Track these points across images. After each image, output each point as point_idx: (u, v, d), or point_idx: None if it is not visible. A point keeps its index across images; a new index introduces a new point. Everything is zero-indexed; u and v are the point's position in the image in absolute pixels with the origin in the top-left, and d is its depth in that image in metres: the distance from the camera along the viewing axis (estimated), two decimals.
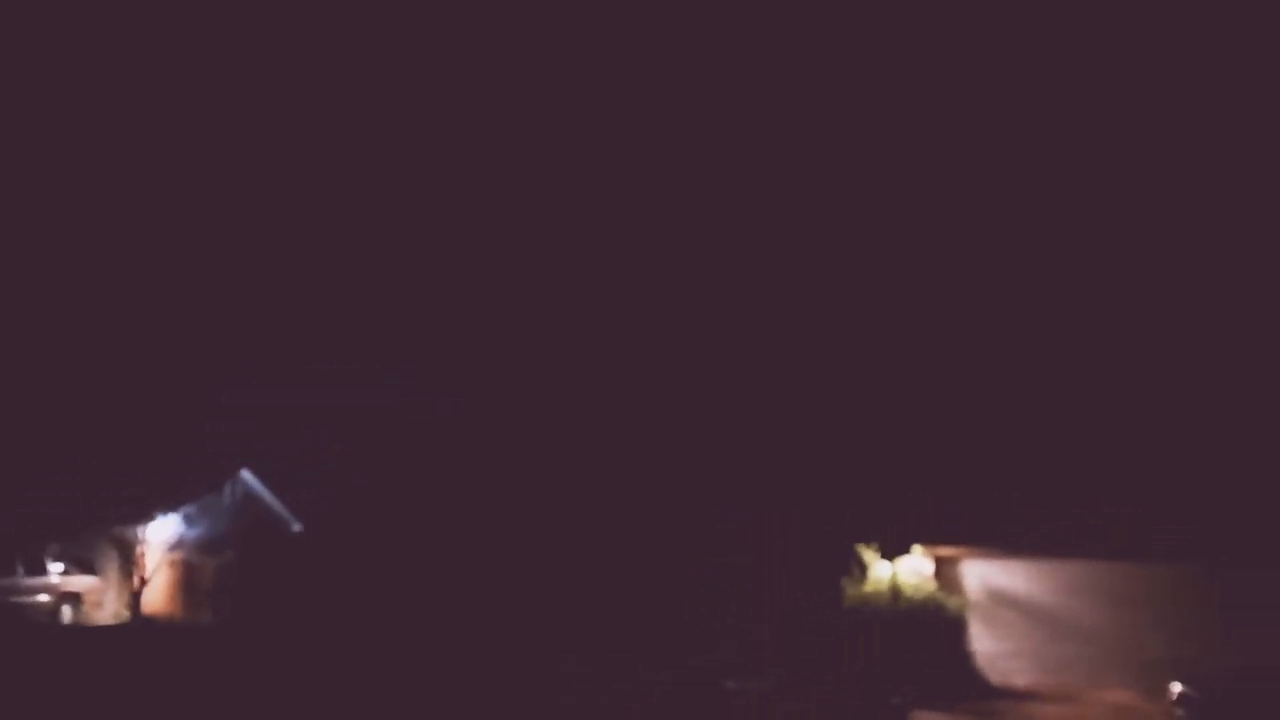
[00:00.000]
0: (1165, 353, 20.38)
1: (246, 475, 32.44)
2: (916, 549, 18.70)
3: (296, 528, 33.34)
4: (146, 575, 27.82)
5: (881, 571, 18.59)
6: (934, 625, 17.86)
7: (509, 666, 18.80)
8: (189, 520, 29.49)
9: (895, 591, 18.28)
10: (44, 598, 26.95)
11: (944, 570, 18.75)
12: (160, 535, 28.83)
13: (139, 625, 26.61)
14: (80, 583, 28.02)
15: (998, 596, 18.40)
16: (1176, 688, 13.71)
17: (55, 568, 27.59)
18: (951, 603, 18.19)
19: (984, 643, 18.31)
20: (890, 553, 18.55)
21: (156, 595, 28.68)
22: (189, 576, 29.26)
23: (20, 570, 26.65)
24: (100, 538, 28.47)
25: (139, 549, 28.04)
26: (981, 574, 18.65)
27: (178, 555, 28.93)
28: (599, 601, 20.32)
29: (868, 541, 18.72)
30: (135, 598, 27.51)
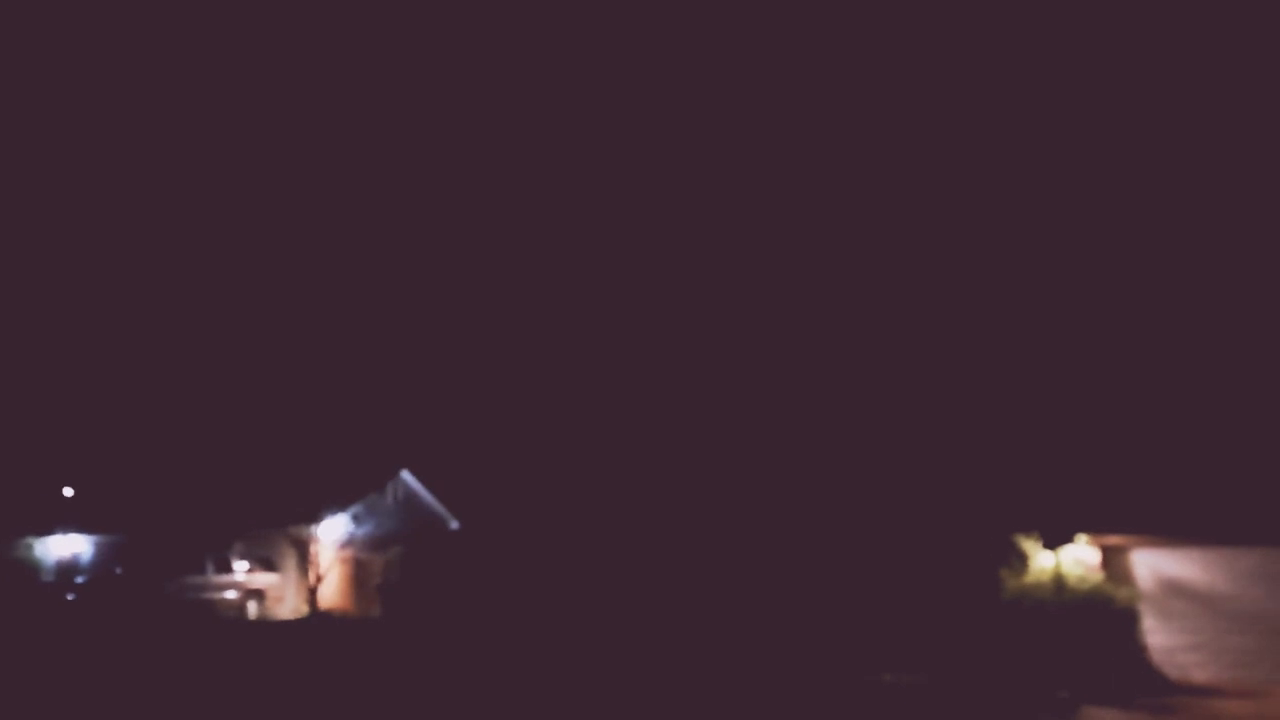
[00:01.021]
0: None
1: (406, 475, 34.03)
2: (1081, 538, 17.91)
3: (454, 525, 34.74)
4: (321, 572, 29.44)
5: (1043, 562, 17.89)
6: (1102, 618, 17.09)
7: (664, 662, 19.07)
8: (357, 519, 31.13)
9: (1059, 583, 17.57)
10: (231, 594, 28.89)
11: (1111, 560, 17.92)
12: (331, 534, 30.52)
13: (317, 620, 28.21)
14: (263, 580, 29.93)
15: (1171, 587, 17.47)
16: None
17: (240, 566, 29.55)
18: (1121, 594, 17.37)
19: (1158, 636, 17.42)
20: (1052, 542, 17.81)
21: (331, 591, 30.37)
22: (359, 573, 30.89)
23: (210, 568, 28.66)
24: (279, 537, 30.29)
25: (313, 548, 29.70)
26: (1153, 563, 17.74)
27: (348, 553, 30.55)
28: (752, 595, 20.35)
29: (1027, 531, 18.05)
30: (312, 594, 29.18)
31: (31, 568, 29.28)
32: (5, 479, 30.38)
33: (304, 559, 29.74)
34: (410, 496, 33.94)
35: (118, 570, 28.41)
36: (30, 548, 29.60)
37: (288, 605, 30.13)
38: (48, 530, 29.91)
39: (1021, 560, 18.00)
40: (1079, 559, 17.87)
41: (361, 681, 18.01)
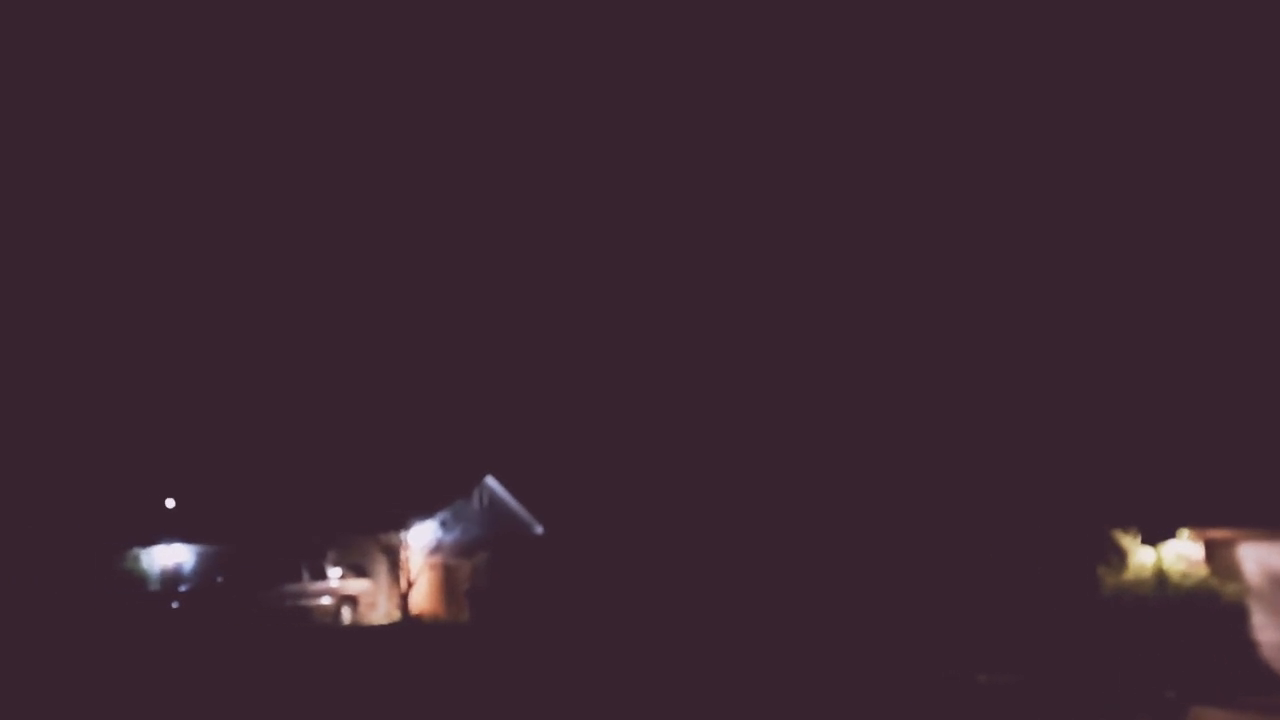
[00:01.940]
0: None
1: (492, 482, 34.55)
2: (1183, 533, 17.32)
3: (538, 530, 35.13)
4: (412, 578, 30.01)
5: (1143, 558, 17.35)
6: (1207, 615, 16.48)
7: (754, 662, 18.99)
8: (445, 526, 31.67)
9: (1160, 579, 17.02)
10: (326, 600, 29.62)
11: (1216, 555, 17.26)
12: (420, 540, 31.09)
13: (409, 625, 28.77)
14: (356, 586, 30.63)
15: None
16: None
17: (334, 573, 30.29)
18: (1227, 590, 16.73)
19: (1269, 633, 16.72)
20: (1153, 538, 17.25)
21: (421, 596, 30.95)
22: (447, 578, 31.42)
23: (306, 576, 29.42)
24: (370, 544, 30.97)
25: (403, 554, 30.30)
26: (1260, 557, 17.04)
27: (437, 559, 31.10)
28: (845, 593, 20.15)
29: (1126, 526, 17.52)
30: (403, 599, 29.77)
31: (138, 578, 30.47)
32: (112, 492, 31.68)
33: (394, 565, 30.34)
34: (496, 502, 34.44)
35: (219, 579, 29.37)
36: (137, 558, 30.79)
37: (380, 611, 30.78)
38: (152, 541, 31.09)
39: (1120, 557, 17.48)
40: (1181, 554, 17.28)
41: (455, 685, 18.32)
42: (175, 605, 28.45)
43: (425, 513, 31.59)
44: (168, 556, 31.27)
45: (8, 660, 20.51)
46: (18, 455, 32.03)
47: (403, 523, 30.87)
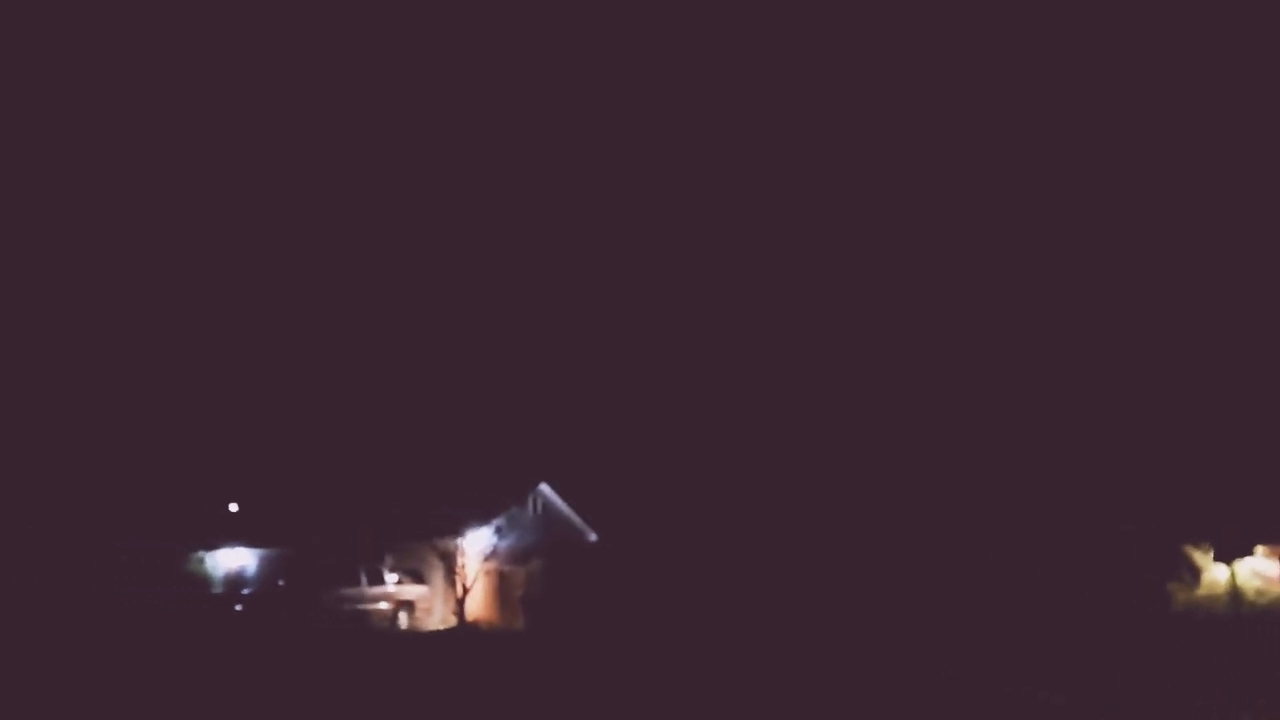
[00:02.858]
0: None
1: (546, 489, 34.68)
2: (1259, 549, 16.86)
3: (592, 537, 35.21)
4: (467, 584, 30.21)
5: (1217, 575, 16.92)
6: None
7: (809, 672, 18.81)
8: (499, 532, 31.82)
9: (1235, 596, 16.58)
10: (383, 605, 29.93)
11: None
12: (476, 546, 31.27)
13: (464, 630, 28.97)
14: (413, 591, 30.90)
15: None
16: None
17: (391, 578, 30.61)
18: None
19: None
20: (1227, 554, 16.82)
21: (476, 602, 31.13)
22: (502, 585, 31.59)
23: (364, 580, 29.76)
24: (426, 550, 31.23)
25: (459, 560, 30.50)
26: None
27: (492, 565, 31.27)
28: (909, 606, 19.89)
29: (1199, 542, 17.10)
30: (459, 605, 29.98)
31: (203, 580, 31.09)
32: (177, 496, 32.39)
33: (450, 571, 30.54)
34: (550, 509, 34.55)
35: (280, 582, 29.84)
36: (201, 561, 31.42)
37: (435, 616, 31.02)
38: (216, 544, 31.72)
39: (1193, 573, 17.07)
40: (1256, 571, 16.83)
41: (510, 691, 18.41)
42: (238, 607, 28.97)
43: (480, 519, 31.78)
44: (231, 560, 31.86)
45: (78, 659, 21.03)
46: (86, 461, 32.91)
47: (458, 529, 31.09)
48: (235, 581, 31.25)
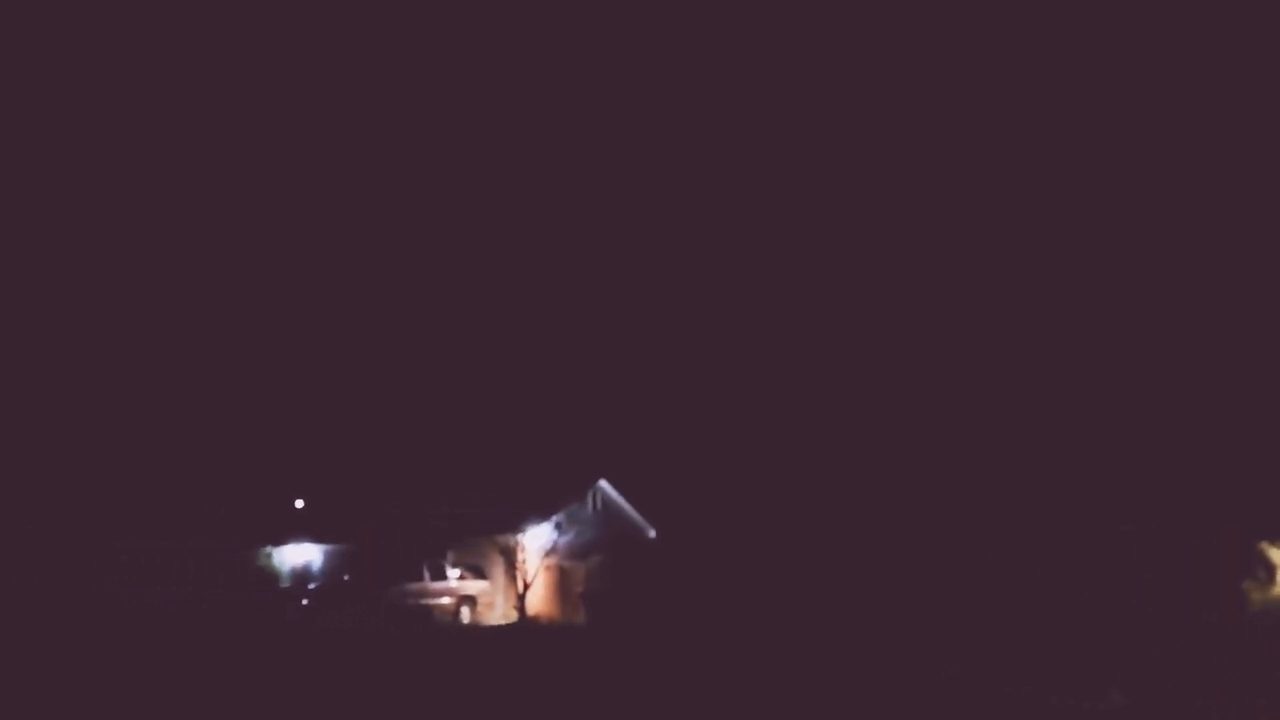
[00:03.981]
0: None
1: (605, 485, 34.84)
2: None
3: (651, 534, 35.29)
4: (528, 579, 30.50)
5: None
6: None
7: (855, 670, 18.66)
8: (559, 528, 32.07)
9: None
10: (446, 600, 30.37)
11: None
12: (536, 542, 31.55)
13: (526, 625, 29.25)
14: (474, 586, 31.30)
15: None
16: None
17: (453, 574, 31.03)
18: None
19: None
20: None
21: (536, 598, 31.41)
22: (562, 580, 31.81)
23: (427, 576, 30.23)
24: (487, 546, 31.60)
25: (520, 555, 30.81)
26: None
27: (552, 561, 31.52)
28: (966, 606, 19.63)
29: (1275, 539, 16.61)
30: (520, 600, 30.28)
31: (271, 574, 31.86)
32: (247, 493, 33.20)
33: (511, 566, 30.86)
34: (609, 506, 34.70)
35: (345, 577, 30.45)
36: (270, 556, 32.19)
37: (497, 611, 31.37)
38: (283, 540, 32.46)
39: (1269, 571, 16.59)
40: None
41: (572, 686, 18.55)
42: (305, 601, 29.62)
43: (541, 515, 32.05)
44: (298, 555, 32.59)
45: (158, 648, 21.68)
46: (158, 461, 33.85)
47: (519, 525, 31.38)
48: (302, 576, 31.96)
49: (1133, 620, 17.24)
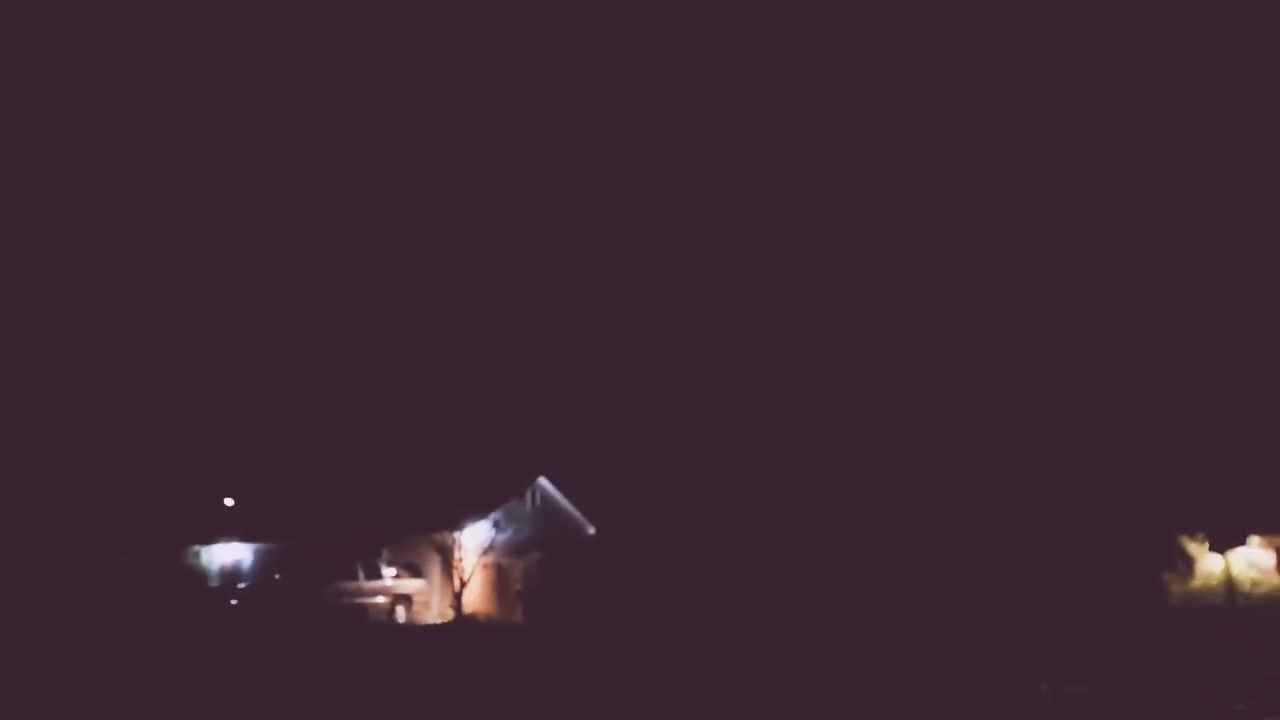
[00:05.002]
0: None
1: (544, 482, 34.67)
2: (1253, 539, 16.87)
3: (590, 530, 35.22)
4: (465, 578, 30.19)
5: (1211, 566, 16.94)
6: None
7: (806, 665, 18.82)
8: (498, 526, 31.80)
9: (1230, 587, 16.60)
10: (381, 599, 29.91)
11: None
12: (474, 540, 31.24)
13: (462, 624, 28.96)
14: (410, 585, 30.88)
15: None
16: None
17: (389, 572, 30.58)
18: None
19: None
20: (1221, 545, 16.83)
21: (474, 596, 31.13)
22: (500, 578, 31.57)
23: (361, 575, 29.74)
24: (424, 544, 31.20)
25: (457, 553, 30.47)
26: None
27: (489, 558, 31.25)
28: (905, 599, 19.89)
29: (1194, 533, 17.11)
30: (457, 599, 29.96)
31: (199, 574, 31.10)
32: (173, 491, 32.38)
33: (448, 565, 30.51)
34: (548, 503, 34.55)
35: (276, 577, 29.82)
36: (197, 555, 31.43)
37: (433, 610, 31.02)
38: (212, 539, 31.70)
39: (1187, 564, 17.08)
40: (1251, 561, 16.83)
41: (508, 684, 18.39)
42: (234, 601, 28.95)
43: (478, 513, 31.76)
44: (227, 554, 31.85)
45: (72, 653, 21.02)
46: (84, 457, 32.88)
47: (456, 522, 31.05)
48: (231, 576, 31.24)
49: (1062, 616, 17.62)
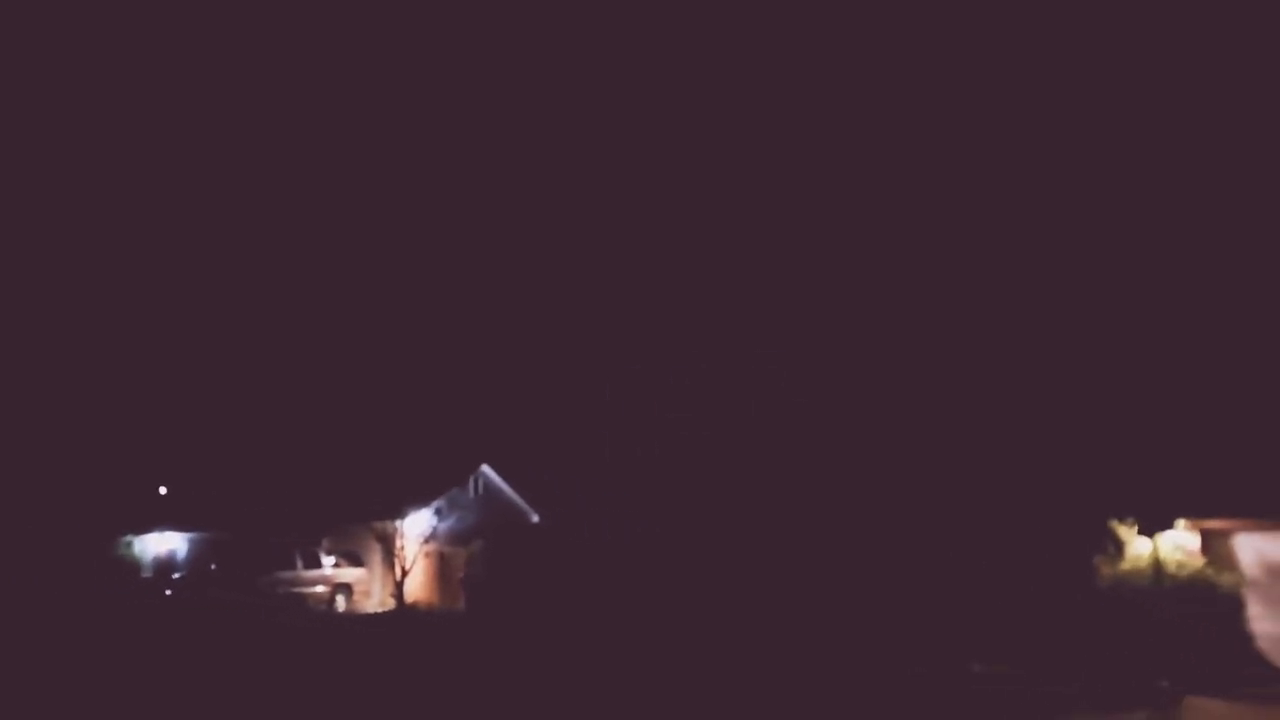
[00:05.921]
0: None
1: (488, 470, 34.46)
2: (1180, 523, 17.26)
3: (534, 518, 35.08)
4: (406, 566, 29.91)
5: (1140, 548, 17.29)
6: (1204, 605, 16.43)
7: (746, 654, 18.93)
8: (440, 514, 31.57)
9: (1157, 569, 16.97)
10: (320, 589, 29.54)
11: (1212, 545, 17.20)
12: (415, 528, 30.99)
13: (403, 613, 28.70)
14: (350, 574, 30.55)
15: (1278, 572, 16.72)
16: None
17: (328, 561, 30.20)
18: (1224, 580, 16.68)
19: (1265, 623, 16.66)
20: (1150, 528, 17.19)
21: (415, 585, 30.86)
22: (442, 566, 31.34)
23: (300, 564, 29.32)
24: (364, 532, 30.87)
25: (398, 542, 30.19)
26: (1258, 547, 16.97)
27: (432, 547, 31.00)
28: (837, 582, 20.07)
29: (1123, 517, 17.46)
30: (398, 587, 29.68)
31: (132, 564, 30.40)
32: (105, 479, 31.57)
33: (389, 553, 30.23)
34: (492, 490, 34.36)
35: (212, 567, 29.26)
36: (130, 545, 30.71)
37: (374, 599, 30.72)
38: (145, 528, 31.00)
39: (1117, 547, 17.42)
40: (1178, 544, 17.22)
41: (450, 674, 18.24)
42: (168, 592, 28.36)
43: (420, 500, 31.49)
44: (161, 544, 31.17)
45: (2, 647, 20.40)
46: (13, 444, 31.90)
47: (398, 510, 30.76)
48: (165, 566, 30.61)
49: (1000, 592, 17.93)
